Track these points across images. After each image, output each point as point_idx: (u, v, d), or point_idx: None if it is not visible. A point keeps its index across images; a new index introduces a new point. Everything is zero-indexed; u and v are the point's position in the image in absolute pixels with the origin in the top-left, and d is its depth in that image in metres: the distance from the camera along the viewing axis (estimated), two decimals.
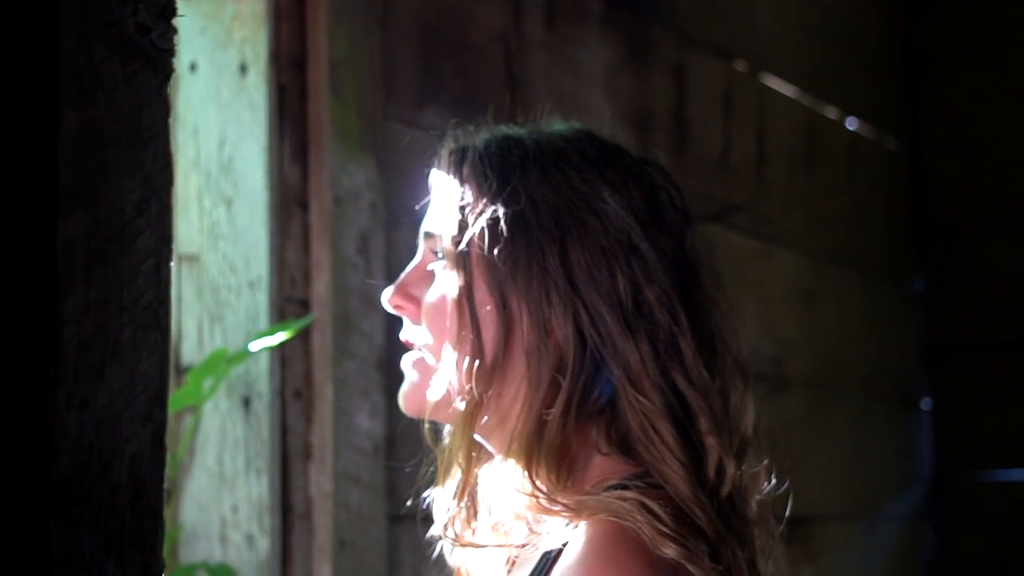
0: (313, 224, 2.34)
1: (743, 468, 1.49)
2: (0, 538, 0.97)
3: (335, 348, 2.32)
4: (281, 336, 2.18)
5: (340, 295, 2.33)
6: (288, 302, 2.31)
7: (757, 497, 1.52)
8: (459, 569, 1.58)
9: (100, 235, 0.99)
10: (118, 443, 1.01)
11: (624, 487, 1.41)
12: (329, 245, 2.33)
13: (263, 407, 2.28)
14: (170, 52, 1.05)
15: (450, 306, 1.49)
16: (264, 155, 2.30)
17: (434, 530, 1.54)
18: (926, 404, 4.36)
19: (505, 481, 1.47)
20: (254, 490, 2.28)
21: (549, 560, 1.41)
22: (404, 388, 1.57)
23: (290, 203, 2.33)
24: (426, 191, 2.49)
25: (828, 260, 3.87)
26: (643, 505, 1.38)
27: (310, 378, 2.33)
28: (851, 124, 4.04)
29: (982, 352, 4.33)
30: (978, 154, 4.34)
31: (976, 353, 4.34)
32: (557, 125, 1.58)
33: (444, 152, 1.57)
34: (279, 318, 2.29)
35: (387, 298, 1.59)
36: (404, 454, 2.43)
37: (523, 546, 1.46)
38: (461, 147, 1.56)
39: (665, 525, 1.37)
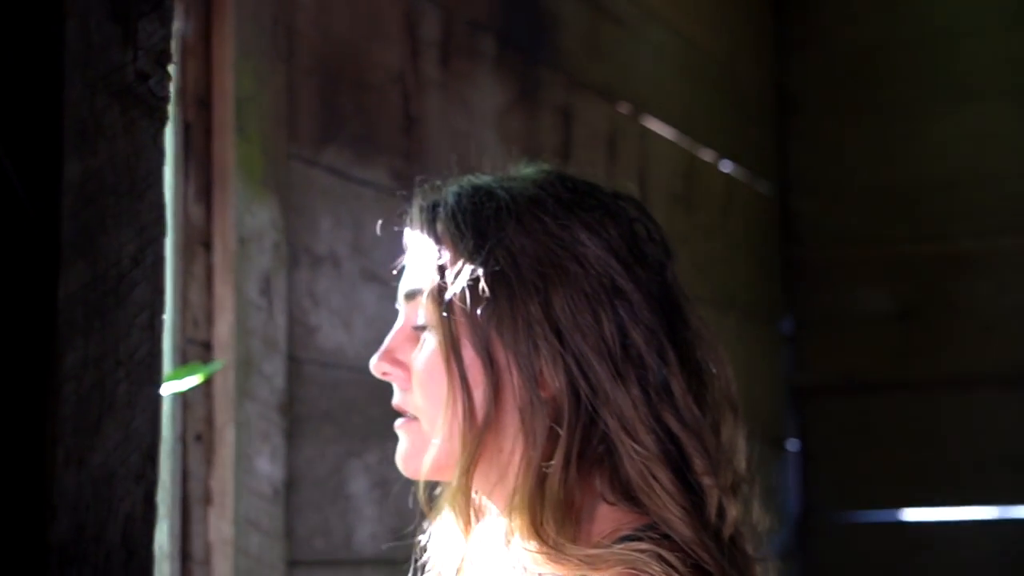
0: (216, 264, 2.30)
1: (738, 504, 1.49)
2: None
3: (237, 391, 2.28)
4: (194, 380, 2.13)
5: (243, 337, 2.29)
6: (191, 343, 2.26)
7: (750, 530, 1.52)
8: None
9: (99, 288, 0.96)
10: (113, 503, 0.97)
11: (638, 539, 1.40)
12: (233, 286, 2.28)
13: (164, 451, 2.22)
14: (166, 99, 1.01)
15: (438, 369, 1.46)
16: (168, 194, 2.25)
17: None
18: (793, 444, 4.41)
19: (509, 537, 1.44)
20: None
21: None
22: (399, 451, 1.54)
23: (194, 243, 2.28)
24: (323, 232, 2.48)
25: (704, 301, 3.89)
26: (659, 556, 1.37)
27: (211, 421, 2.28)
28: (725, 167, 4.08)
29: (847, 393, 4.39)
30: (845, 197, 4.41)
31: (842, 394, 4.40)
32: (526, 169, 1.56)
33: (414, 210, 1.53)
34: (182, 360, 2.24)
35: (374, 365, 1.55)
36: (302, 499, 2.40)
37: None
38: (431, 203, 1.52)
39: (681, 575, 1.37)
